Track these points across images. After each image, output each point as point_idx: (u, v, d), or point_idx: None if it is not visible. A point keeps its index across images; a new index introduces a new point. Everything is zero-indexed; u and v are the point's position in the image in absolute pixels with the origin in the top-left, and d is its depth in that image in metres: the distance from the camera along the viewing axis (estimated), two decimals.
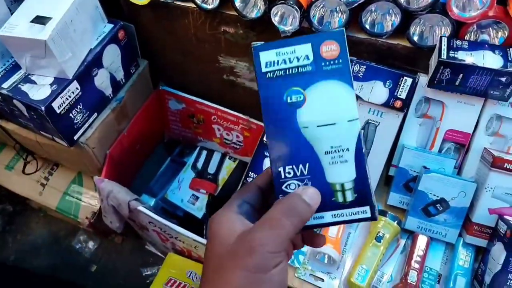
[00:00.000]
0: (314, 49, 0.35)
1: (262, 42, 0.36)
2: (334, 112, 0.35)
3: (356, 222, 0.36)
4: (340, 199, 0.36)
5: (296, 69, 0.35)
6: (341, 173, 0.35)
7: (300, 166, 0.35)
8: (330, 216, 0.36)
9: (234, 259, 0.31)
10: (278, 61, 0.35)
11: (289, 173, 0.36)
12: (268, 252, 0.31)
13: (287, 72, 0.35)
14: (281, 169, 0.36)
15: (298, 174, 0.35)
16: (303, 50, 0.35)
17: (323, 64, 0.35)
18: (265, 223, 0.32)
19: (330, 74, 0.35)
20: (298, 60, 0.35)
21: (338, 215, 0.36)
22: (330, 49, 0.35)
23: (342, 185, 0.35)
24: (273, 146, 0.36)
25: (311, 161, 0.35)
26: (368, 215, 0.36)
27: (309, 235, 0.39)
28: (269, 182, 0.38)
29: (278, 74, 0.35)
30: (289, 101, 0.35)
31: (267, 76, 0.35)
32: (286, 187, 0.36)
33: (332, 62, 0.35)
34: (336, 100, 0.35)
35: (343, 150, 0.35)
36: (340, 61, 0.35)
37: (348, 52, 0.35)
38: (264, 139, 0.37)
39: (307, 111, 0.35)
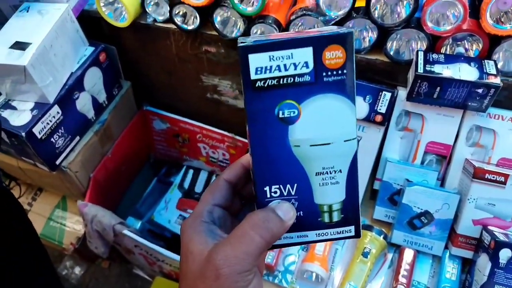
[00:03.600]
0: (315, 55, 0.29)
1: (250, 39, 0.30)
2: (330, 131, 0.31)
3: (339, 240, 0.34)
4: (326, 220, 0.34)
5: (292, 79, 0.29)
6: (331, 195, 0.33)
7: (288, 186, 0.32)
8: (314, 235, 0.34)
9: (204, 281, 0.30)
10: (271, 67, 0.29)
11: (275, 192, 0.33)
12: (236, 273, 0.29)
13: (281, 82, 0.30)
14: (267, 188, 0.33)
15: (285, 194, 0.33)
16: (302, 55, 0.29)
17: (324, 74, 0.29)
18: (233, 239, 0.30)
19: (331, 87, 0.30)
20: (295, 67, 0.29)
21: (322, 234, 0.34)
22: (334, 55, 0.29)
23: (330, 206, 0.33)
24: (258, 163, 0.32)
25: (300, 182, 0.32)
26: (352, 233, 0.34)
27: None
28: (240, 176, 0.36)
29: (270, 84, 0.30)
30: (280, 115, 0.30)
31: (257, 85, 0.30)
32: None
33: (335, 72, 0.29)
34: (335, 118, 0.30)
35: (335, 172, 0.32)
36: (345, 71, 0.29)
37: (355, 61, 0.30)
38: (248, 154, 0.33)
39: (300, 129, 0.31)
